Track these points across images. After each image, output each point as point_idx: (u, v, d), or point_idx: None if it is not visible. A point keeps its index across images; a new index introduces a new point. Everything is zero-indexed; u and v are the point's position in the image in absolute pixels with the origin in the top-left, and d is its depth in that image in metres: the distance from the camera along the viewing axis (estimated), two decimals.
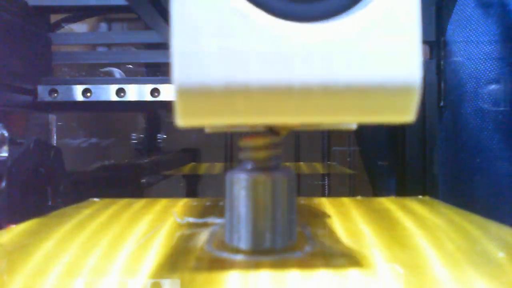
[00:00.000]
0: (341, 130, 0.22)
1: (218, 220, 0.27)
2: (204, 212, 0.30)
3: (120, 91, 0.46)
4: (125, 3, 0.25)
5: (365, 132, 0.62)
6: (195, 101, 0.16)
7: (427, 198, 0.38)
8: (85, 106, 0.47)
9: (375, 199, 0.36)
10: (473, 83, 0.45)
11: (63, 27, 0.53)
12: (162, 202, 0.35)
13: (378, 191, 0.63)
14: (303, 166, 0.83)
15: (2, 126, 0.36)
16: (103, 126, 1.06)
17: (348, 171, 0.83)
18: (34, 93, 0.46)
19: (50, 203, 0.38)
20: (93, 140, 0.95)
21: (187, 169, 0.90)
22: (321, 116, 0.16)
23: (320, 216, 0.29)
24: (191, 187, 0.97)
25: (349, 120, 0.18)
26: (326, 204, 0.34)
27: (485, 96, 0.45)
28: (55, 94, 0.46)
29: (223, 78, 0.15)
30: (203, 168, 0.91)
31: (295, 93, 0.16)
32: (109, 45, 0.71)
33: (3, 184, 0.33)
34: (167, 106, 0.47)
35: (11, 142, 0.35)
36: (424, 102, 0.46)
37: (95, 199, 0.36)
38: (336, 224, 0.27)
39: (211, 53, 0.15)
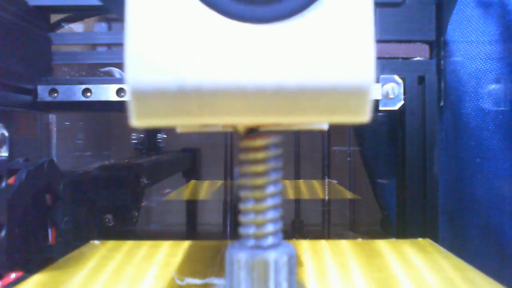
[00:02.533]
0: (312, 130, 0.22)
1: (218, 281, 0.27)
2: (205, 264, 0.30)
3: (120, 91, 0.46)
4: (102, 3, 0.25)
5: (365, 131, 0.62)
6: (149, 102, 0.16)
7: (427, 241, 0.38)
8: (85, 106, 0.47)
9: (376, 242, 0.36)
10: (473, 83, 0.45)
11: (63, 27, 0.53)
12: (164, 247, 0.34)
13: (377, 190, 0.63)
14: (302, 187, 0.82)
15: (2, 126, 0.36)
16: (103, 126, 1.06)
17: (349, 194, 0.83)
18: (34, 93, 0.46)
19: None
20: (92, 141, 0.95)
21: (187, 187, 0.90)
22: (276, 117, 0.16)
23: (318, 272, 0.29)
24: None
25: (305, 120, 0.18)
26: (325, 250, 0.34)
27: (485, 96, 0.45)
28: (55, 94, 0.46)
29: (176, 79, 0.15)
30: (204, 185, 0.91)
31: (248, 94, 0.16)
32: (109, 45, 0.71)
33: (3, 184, 0.33)
34: None
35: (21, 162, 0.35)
36: (424, 102, 0.46)
37: (95, 242, 0.36)
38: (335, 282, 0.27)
39: (165, 54, 0.15)
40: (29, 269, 0.33)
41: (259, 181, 0.21)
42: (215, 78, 0.15)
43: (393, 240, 0.38)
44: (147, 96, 0.16)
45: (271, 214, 0.21)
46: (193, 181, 0.96)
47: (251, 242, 0.21)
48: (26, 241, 0.34)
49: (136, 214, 0.56)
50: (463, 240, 0.47)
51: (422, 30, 0.45)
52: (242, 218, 0.21)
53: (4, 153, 0.35)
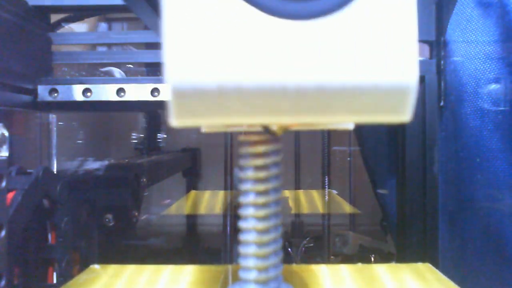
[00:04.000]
0: (338, 129, 0.22)
1: None
2: None
3: (120, 91, 0.46)
4: (124, 3, 0.25)
5: (364, 131, 0.62)
6: (190, 101, 0.15)
7: (427, 266, 0.38)
8: (85, 106, 0.47)
9: (375, 267, 0.36)
10: (473, 83, 0.45)
11: (63, 26, 0.53)
12: (166, 273, 0.34)
13: (377, 189, 0.63)
14: (302, 197, 0.82)
15: (2, 126, 0.36)
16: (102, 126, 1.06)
17: (348, 208, 0.83)
18: (34, 93, 0.46)
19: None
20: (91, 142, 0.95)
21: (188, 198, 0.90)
22: (316, 116, 0.16)
23: None
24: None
25: (344, 119, 0.17)
26: (324, 276, 0.33)
27: (485, 96, 0.45)
28: (55, 94, 0.46)
29: (217, 79, 0.15)
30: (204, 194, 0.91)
31: (289, 93, 0.15)
32: (109, 45, 0.71)
33: (3, 183, 0.33)
34: (167, 105, 0.47)
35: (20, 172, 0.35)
36: (424, 102, 0.46)
37: (96, 266, 0.35)
38: None
39: (204, 53, 0.15)
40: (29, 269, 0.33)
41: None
42: (256, 77, 0.15)
43: (393, 264, 0.38)
44: (188, 96, 0.15)
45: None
46: (193, 192, 0.96)
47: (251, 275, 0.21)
48: (26, 243, 0.34)
49: (136, 214, 0.56)
50: (463, 240, 0.47)
51: (422, 30, 0.45)
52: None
53: (4, 153, 0.35)
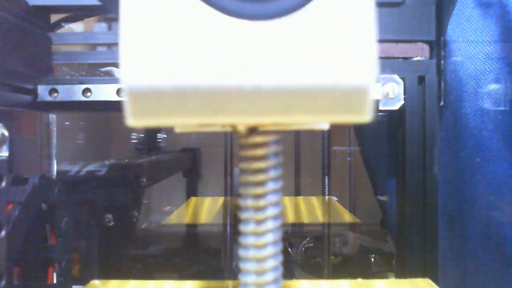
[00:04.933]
0: (313, 129, 0.22)
1: None
2: None
3: (120, 91, 0.46)
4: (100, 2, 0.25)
5: (364, 130, 0.62)
6: (146, 101, 0.15)
7: (427, 282, 0.38)
8: (85, 106, 0.47)
9: (375, 283, 0.35)
10: (473, 83, 0.45)
11: (63, 26, 0.53)
12: None
13: (378, 191, 0.63)
14: (301, 205, 0.82)
15: (2, 126, 0.36)
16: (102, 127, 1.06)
17: (348, 216, 0.83)
18: (34, 93, 0.46)
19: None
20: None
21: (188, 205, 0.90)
22: (274, 116, 0.16)
23: None
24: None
25: (304, 120, 0.17)
26: None
27: (485, 96, 0.45)
28: (55, 94, 0.46)
29: (173, 79, 0.15)
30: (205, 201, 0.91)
31: (246, 94, 0.15)
32: (109, 45, 0.71)
33: (3, 184, 0.33)
34: None
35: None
36: (424, 102, 0.46)
37: (96, 282, 0.35)
38: None
39: (160, 53, 0.15)
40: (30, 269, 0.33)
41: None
42: (212, 77, 0.15)
43: (392, 280, 0.37)
44: (144, 95, 0.15)
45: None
46: (193, 199, 0.97)
47: None
48: (26, 243, 0.34)
49: (136, 213, 0.56)
50: (463, 240, 0.47)
51: (422, 30, 0.45)
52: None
53: (4, 153, 0.35)
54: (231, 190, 0.73)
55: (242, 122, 0.20)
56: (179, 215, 0.83)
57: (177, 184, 1.05)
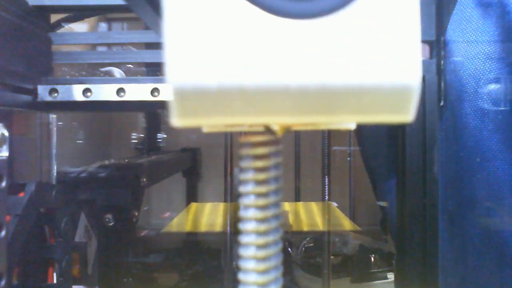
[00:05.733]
0: (340, 129, 0.22)
1: None
2: None
3: (120, 91, 0.46)
4: (125, 3, 0.25)
5: (364, 131, 0.62)
6: (191, 101, 0.15)
7: None
8: (85, 106, 0.47)
9: None
10: (473, 83, 0.45)
11: (63, 26, 0.53)
12: None
13: (378, 191, 0.63)
14: (301, 211, 0.81)
15: (2, 126, 0.36)
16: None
17: (348, 224, 0.82)
18: (34, 93, 0.46)
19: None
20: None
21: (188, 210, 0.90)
22: (318, 116, 0.16)
23: None
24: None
25: (347, 119, 0.17)
26: None
27: (485, 96, 0.45)
28: (55, 94, 0.46)
29: (218, 79, 0.15)
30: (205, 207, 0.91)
31: (291, 93, 0.15)
32: (109, 45, 0.71)
33: (3, 183, 0.33)
34: (167, 105, 0.47)
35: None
36: (424, 102, 0.46)
37: None
38: None
39: (206, 53, 0.15)
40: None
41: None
42: (257, 77, 0.15)
43: None
44: (189, 95, 0.15)
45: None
46: (193, 204, 0.97)
47: None
48: (26, 244, 0.34)
49: (136, 213, 0.56)
50: (463, 240, 0.47)
51: (422, 30, 0.45)
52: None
53: (4, 153, 0.35)
54: (231, 191, 0.73)
55: (286, 122, 0.19)
56: (179, 222, 0.83)
57: (177, 185, 1.05)
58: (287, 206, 0.92)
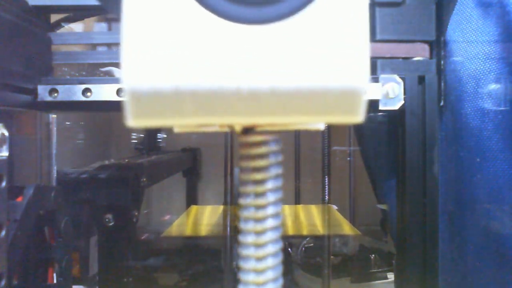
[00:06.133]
0: (309, 130, 0.22)
1: None
2: None
3: (120, 91, 0.46)
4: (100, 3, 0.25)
5: (364, 132, 0.62)
6: (145, 102, 0.16)
7: None
8: (85, 106, 0.47)
9: None
10: (473, 83, 0.45)
11: (63, 26, 0.53)
12: None
13: (378, 192, 0.63)
14: (301, 214, 0.81)
15: (2, 126, 0.36)
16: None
17: (348, 227, 0.82)
18: (34, 93, 0.46)
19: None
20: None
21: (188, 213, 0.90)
22: (270, 117, 0.17)
23: None
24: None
25: (299, 120, 0.18)
26: None
27: (485, 96, 0.45)
28: (55, 94, 0.46)
29: (173, 81, 0.16)
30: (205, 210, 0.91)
31: (243, 95, 0.16)
32: (109, 45, 0.71)
33: (3, 183, 0.33)
34: None
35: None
36: (424, 102, 0.46)
37: None
38: None
39: (161, 55, 0.16)
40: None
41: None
42: (210, 79, 0.16)
43: None
44: (144, 96, 0.16)
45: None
46: (194, 207, 0.97)
47: None
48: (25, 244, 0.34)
49: (136, 213, 0.56)
50: (463, 240, 0.47)
51: (422, 30, 0.45)
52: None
53: (4, 153, 0.35)
54: (231, 190, 0.73)
55: (239, 122, 0.20)
56: (180, 226, 0.83)
57: (177, 185, 1.05)
58: (286, 209, 0.92)
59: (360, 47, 0.16)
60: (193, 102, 0.16)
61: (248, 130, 0.21)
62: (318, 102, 0.16)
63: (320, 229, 0.79)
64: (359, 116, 0.16)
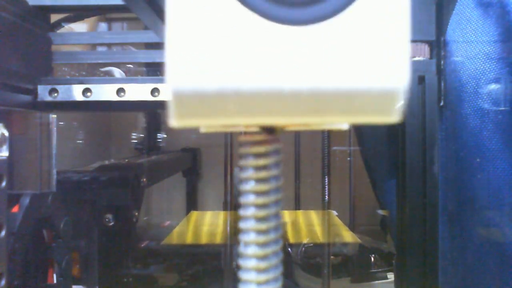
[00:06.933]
0: (333, 129, 0.23)
1: None
2: None
3: (120, 91, 0.46)
4: (124, 3, 0.25)
5: (364, 131, 0.62)
6: (189, 103, 0.16)
7: None
8: (85, 106, 0.47)
9: None
10: (473, 83, 0.45)
11: (63, 26, 0.53)
12: None
13: (378, 191, 0.63)
14: (301, 221, 0.81)
15: (2, 126, 0.36)
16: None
17: (348, 236, 0.82)
18: (34, 93, 0.46)
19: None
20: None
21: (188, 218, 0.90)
22: (309, 117, 0.17)
23: None
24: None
25: (336, 120, 0.18)
26: None
27: (485, 96, 0.45)
28: (55, 94, 0.46)
29: (216, 82, 0.16)
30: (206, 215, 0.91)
31: (284, 96, 0.16)
32: (109, 45, 0.71)
33: (3, 183, 0.33)
34: (168, 105, 0.47)
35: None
36: (424, 102, 0.46)
37: None
38: None
39: (205, 56, 0.16)
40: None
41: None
42: (253, 80, 0.16)
43: None
44: (188, 97, 0.16)
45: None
46: (194, 213, 0.97)
47: None
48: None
49: (136, 213, 0.56)
50: (463, 240, 0.47)
51: (422, 30, 0.45)
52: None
53: (4, 153, 0.35)
54: (231, 191, 0.73)
55: (279, 123, 0.20)
56: (180, 233, 0.83)
57: (177, 185, 1.05)
58: (286, 215, 0.92)
59: (401, 48, 0.16)
60: (236, 102, 0.16)
61: (271, 130, 0.21)
62: (357, 103, 0.16)
63: (320, 237, 0.79)
64: (396, 117, 0.17)
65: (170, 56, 0.16)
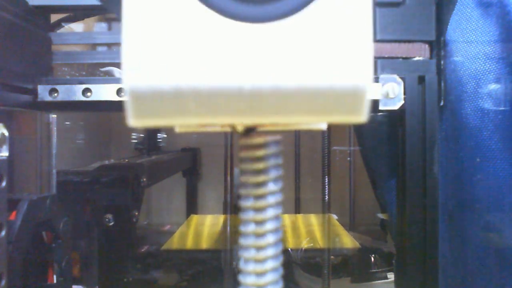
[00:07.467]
0: (311, 130, 0.22)
1: None
2: None
3: (120, 91, 0.46)
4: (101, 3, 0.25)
5: (364, 132, 0.62)
6: (147, 102, 0.16)
7: None
8: (85, 106, 0.47)
9: None
10: (473, 83, 0.45)
11: (63, 26, 0.53)
12: None
13: (378, 191, 0.63)
14: (300, 225, 0.81)
15: (2, 126, 0.36)
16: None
17: (348, 241, 0.82)
18: (34, 93, 0.46)
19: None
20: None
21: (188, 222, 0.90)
22: (272, 117, 0.16)
23: None
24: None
25: (302, 120, 0.18)
26: None
27: (485, 96, 0.45)
28: (55, 94, 0.46)
29: (173, 81, 0.15)
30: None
31: (245, 95, 0.16)
32: (109, 45, 0.71)
33: (3, 183, 0.33)
34: None
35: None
36: (424, 102, 0.46)
37: None
38: None
39: (161, 55, 0.15)
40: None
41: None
42: (211, 78, 0.15)
43: None
44: (145, 96, 0.16)
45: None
46: (194, 216, 0.97)
47: None
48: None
49: (136, 213, 0.56)
50: (463, 240, 0.47)
51: (422, 30, 0.45)
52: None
53: (4, 153, 0.35)
54: (231, 192, 0.73)
55: (241, 122, 0.20)
56: (180, 238, 0.83)
57: (177, 185, 1.05)
58: (286, 218, 0.92)
59: (363, 46, 0.16)
60: (194, 101, 0.16)
61: (249, 130, 0.21)
62: (321, 101, 0.16)
63: (320, 242, 0.79)
64: (362, 116, 0.16)
65: (126, 54, 0.15)
